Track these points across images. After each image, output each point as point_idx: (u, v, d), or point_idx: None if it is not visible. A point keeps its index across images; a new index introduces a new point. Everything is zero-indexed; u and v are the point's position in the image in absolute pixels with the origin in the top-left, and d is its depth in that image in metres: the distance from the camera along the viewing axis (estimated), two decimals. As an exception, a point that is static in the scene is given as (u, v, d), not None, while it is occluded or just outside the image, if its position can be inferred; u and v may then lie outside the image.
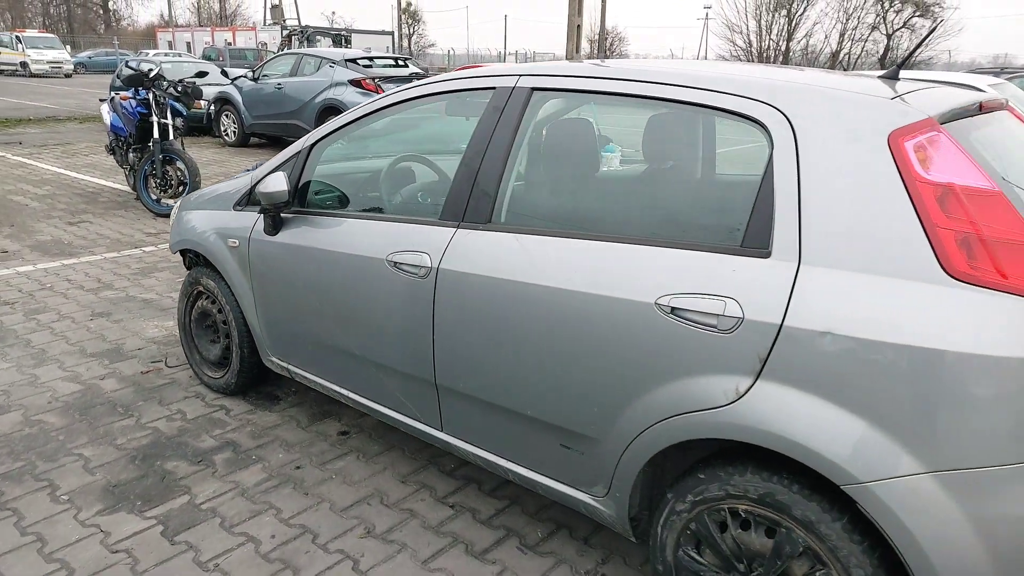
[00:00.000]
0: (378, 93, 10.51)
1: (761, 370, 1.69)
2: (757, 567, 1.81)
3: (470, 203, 2.29)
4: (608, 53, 53.52)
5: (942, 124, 1.70)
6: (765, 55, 44.60)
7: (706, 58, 45.98)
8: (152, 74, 6.86)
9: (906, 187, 1.60)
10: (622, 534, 2.15)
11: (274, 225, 2.86)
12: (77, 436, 3.03)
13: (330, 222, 2.70)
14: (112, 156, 7.66)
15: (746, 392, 1.71)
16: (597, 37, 44.02)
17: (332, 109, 10.69)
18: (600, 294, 1.94)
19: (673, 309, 1.81)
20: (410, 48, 54.77)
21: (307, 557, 2.35)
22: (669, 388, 1.83)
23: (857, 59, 41.98)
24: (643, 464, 1.94)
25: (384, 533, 2.48)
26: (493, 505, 2.66)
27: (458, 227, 2.31)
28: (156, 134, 6.78)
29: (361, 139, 3.00)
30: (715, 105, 1.91)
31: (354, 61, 11.10)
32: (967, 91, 1.97)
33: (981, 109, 1.92)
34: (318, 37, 24.67)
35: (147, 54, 21.93)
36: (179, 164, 6.87)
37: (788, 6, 43.04)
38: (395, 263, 2.41)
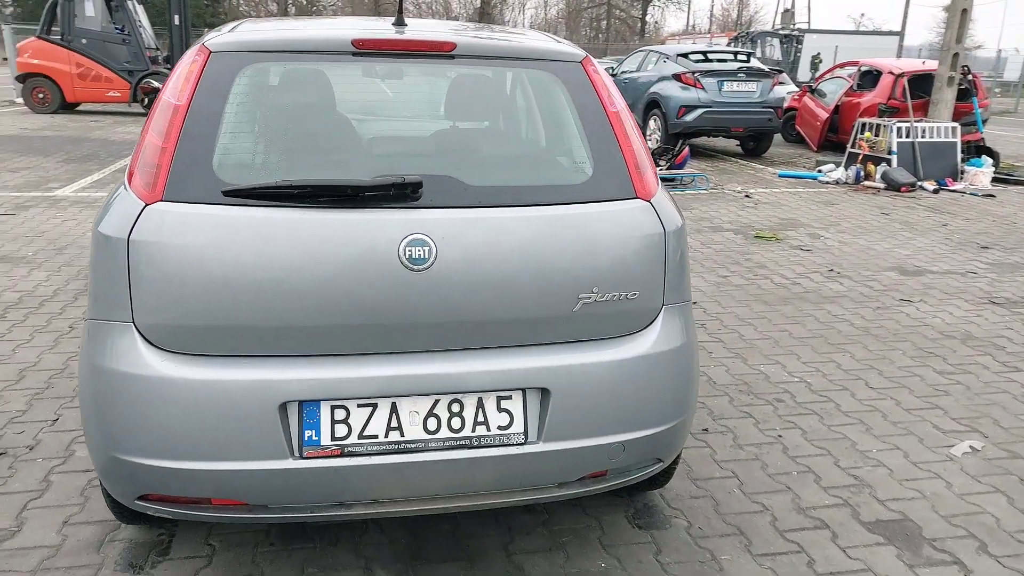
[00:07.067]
0: (696, 87, 10.43)
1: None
2: None
3: None
4: None
5: (232, 52, 1.86)
6: None
7: None
8: None
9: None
10: None
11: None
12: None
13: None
14: None
15: None
16: None
17: (654, 103, 10.92)
18: None
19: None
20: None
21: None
22: None
23: None
24: None
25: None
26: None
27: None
28: None
29: None
30: None
31: (686, 56, 11.08)
32: (337, 33, 2.09)
33: (360, 46, 1.93)
34: (768, 39, 24.17)
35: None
36: None
37: None
38: None
